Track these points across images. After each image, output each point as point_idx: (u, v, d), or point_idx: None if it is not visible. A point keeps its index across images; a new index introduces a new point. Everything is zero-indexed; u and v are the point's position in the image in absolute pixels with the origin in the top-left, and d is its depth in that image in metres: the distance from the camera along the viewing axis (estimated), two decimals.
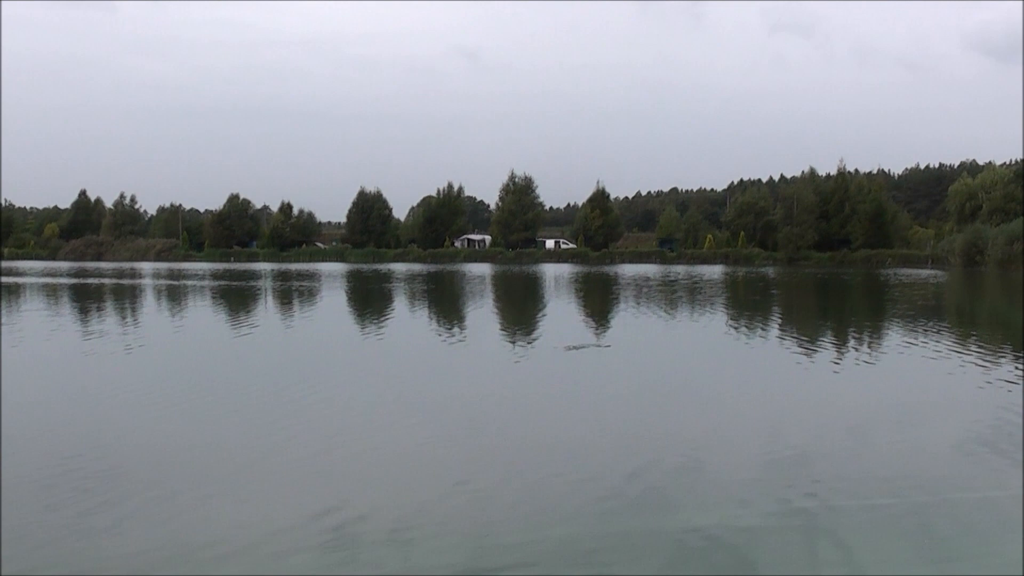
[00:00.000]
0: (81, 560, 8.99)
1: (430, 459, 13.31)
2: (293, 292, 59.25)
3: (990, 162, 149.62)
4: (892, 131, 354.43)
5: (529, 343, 27.84)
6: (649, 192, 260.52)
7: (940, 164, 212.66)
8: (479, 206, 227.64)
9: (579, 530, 9.88)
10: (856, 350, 26.61)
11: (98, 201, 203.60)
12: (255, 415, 16.42)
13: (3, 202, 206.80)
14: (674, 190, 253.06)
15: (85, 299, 51.68)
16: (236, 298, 53.34)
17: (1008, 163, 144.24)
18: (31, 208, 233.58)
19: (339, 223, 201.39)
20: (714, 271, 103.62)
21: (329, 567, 8.87)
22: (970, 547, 9.46)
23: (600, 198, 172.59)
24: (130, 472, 12.40)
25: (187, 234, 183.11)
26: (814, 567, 8.86)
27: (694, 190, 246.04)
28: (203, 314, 42.01)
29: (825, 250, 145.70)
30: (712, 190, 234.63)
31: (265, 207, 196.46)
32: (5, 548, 9.32)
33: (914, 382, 20.84)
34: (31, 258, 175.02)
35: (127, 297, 54.33)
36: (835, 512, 10.45)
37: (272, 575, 8.64)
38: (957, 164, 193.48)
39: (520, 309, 46.60)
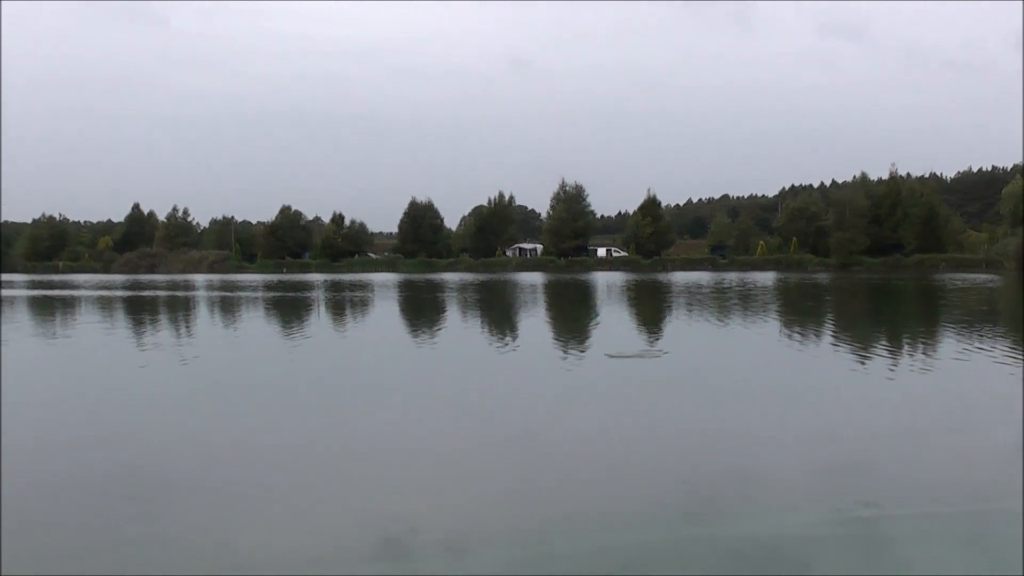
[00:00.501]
0: (130, 565, 9.08)
1: (483, 467, 13.35)
2: (346, 302, 59.50)
3: None
4: (944, 134, 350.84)
5: (581, 350, 27.84)
6: (700, 199, 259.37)
7: (993, 167, 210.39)
8: (530, 215, 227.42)
9: (633, 538, 9.88)
10: (910, 356, 26.42)
11: (151, 214, 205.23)
12: (308, 424, 16.52)
13: (57, 216, 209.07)
14: (725, 196, 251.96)
15: (140, 311, 52.14)
16: (289, 309, 53.64)
17: None
18: (85, 222, 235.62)
19: (391, 233, 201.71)
20: (766, 277, 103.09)
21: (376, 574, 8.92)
22: (1018, 558, 9.37)
23: (651, 205, 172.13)
24: (182, 480, 12.50)
25: (239, 246, 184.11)
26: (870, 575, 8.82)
27: (745, 196, 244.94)
28: (257, 325, 42.27)
29: (877, 255, 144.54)
30: (763, 196, 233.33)
31: (317, 218, 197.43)
32: (60, 551, 9.45)
33: (969, 388, 20.65)
34: (85, 271, 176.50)
35: (181, 309, 54.77)
36: (890, 520, 10.39)
37: None
38: (1010, 166, 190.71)
39: (572, 317, 46.59)
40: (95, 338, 34.36)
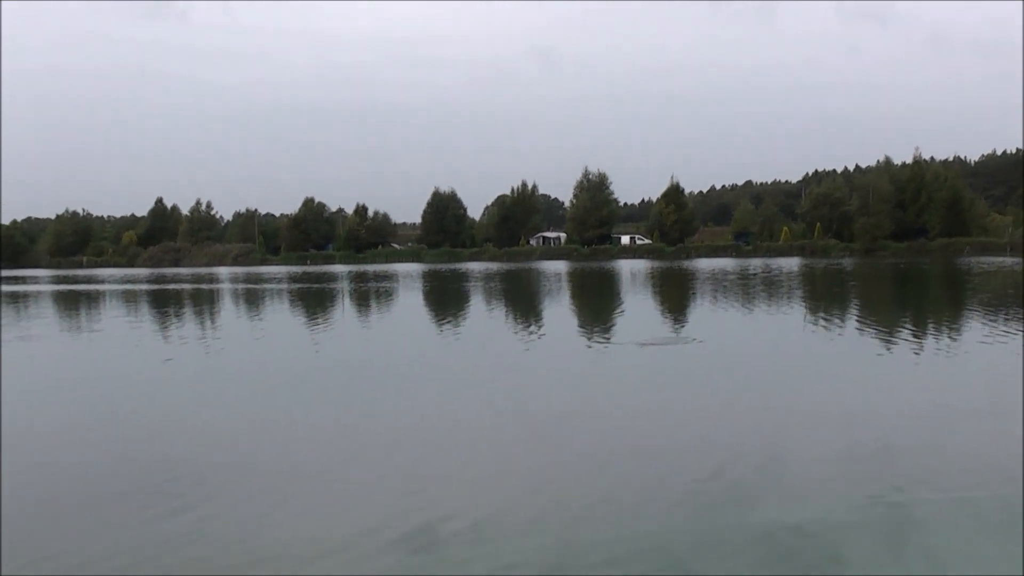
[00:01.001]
0: (159, 559, 9.14)
1: (513, 456, 13.37)
2: (371, 293, 59.59)
3: None
4: (968, 117, 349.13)
5: (608, 339, 27.83)
6: (723, 186, 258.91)
7: (1017, 149, 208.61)
8: (553, 204, 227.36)
9: (664, 527, 9.90)
10: (937, 340, 26.33)
11: (174, 208, 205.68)
12: (337, 415, 16.59)
13: (80, 211, 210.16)
14: (748, 183, 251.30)
15: (165, 305, 52.34)
16: (315, 300, 53.77)
17: None
18: (108, 217, 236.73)
19: (414, 224, 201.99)
20: (791, 263, 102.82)
21: (415, 568, 8.95)
22: None
23: (674, 193, 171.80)
24: (212, 474, 12.57)
25: (263, 238, 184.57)
26: (903, 562, 8.81)
27: (768, 182, 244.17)
28: (282, 316, 42.39)
29: (902, 240, 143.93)
30: (787, 182, 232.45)
31: (340, 210, 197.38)
32: (86, 546, 9.52)
33: (998, 373, 20.53)
34: (110, 266, 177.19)
35: (207, 302, 54.97)
36: (921, 505, 10.37)
37: (350, 569, 8.74)
38: None
39: (598, 305, 46.55)
40: (121, 332, 34.52)
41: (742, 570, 8.68)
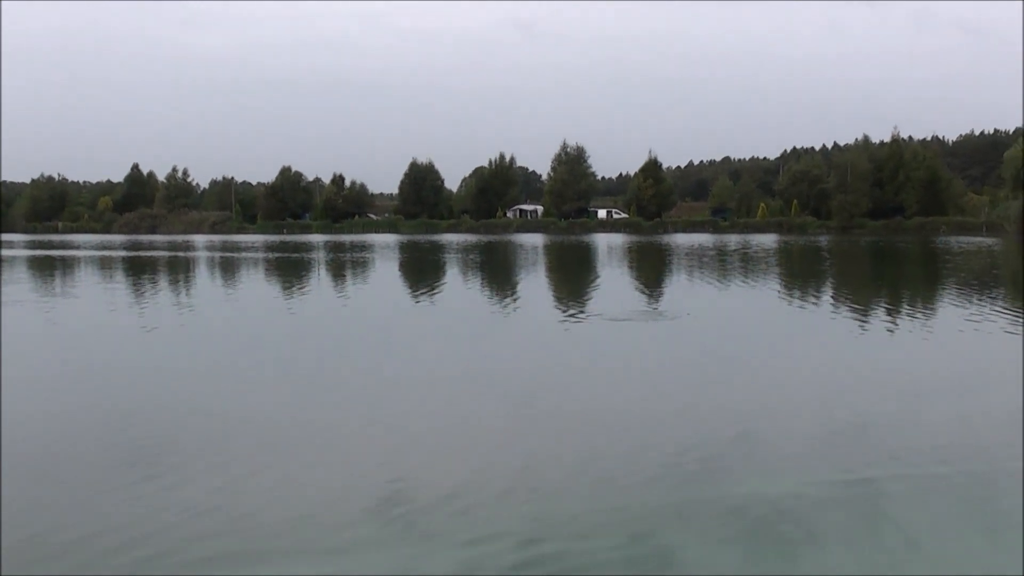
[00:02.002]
0: (133, 531, 9.08)
1: (486, 428, 13.35)
2: (347, 263, 59.51)
3: None
4: (947, 97, 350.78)
5: (583, 313, 27.81)
6: (702, 161, 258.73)
7: (995, 130, 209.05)
8: (531, 176, 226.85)
9: (636, 499, 9.89)
10: (911, 319, 26.41)
11: (151, 175, 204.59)
12: (310, 384, 16.56)
13: (56, 176, 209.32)
14: (727, 159, 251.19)
15: (141, 272, 52.14)
16: (290, 269, 53.67)
17: None
18: (84, 182, 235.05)
19: (391, 194, 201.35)
20: (768, 240, 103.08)
21: (387, 536, 8.92)
22: (1021, 519, 9.38)
23: (652, 167, 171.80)
24: (185, 441, 12.52)
25: (240, 207, 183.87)
26: (876, 537, 8.83)
27: (747, 159, 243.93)
28: (259, 285, 42.29)
29: (879, 218, 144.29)
30: (765, 158, 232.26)
31: (317, 179, 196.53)
32: (54, 515, 9.47)
33: (971, 351, 20.65)
34: (85, 231, 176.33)
35: (183, 269, 54.78)
36: (892, 480, 10.39)
37: (331, 545, 8.71)
38: (1012, 130, 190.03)
39: (574, 279, 46.57)
40: (96, 299, 34.37)
41: (716, 543, 8.68)
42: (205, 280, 45.70)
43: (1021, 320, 24.95)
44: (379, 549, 8.64)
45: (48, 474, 10.89)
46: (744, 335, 23.16)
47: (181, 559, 8.35)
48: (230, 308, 31.82)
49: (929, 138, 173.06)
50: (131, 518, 9.40)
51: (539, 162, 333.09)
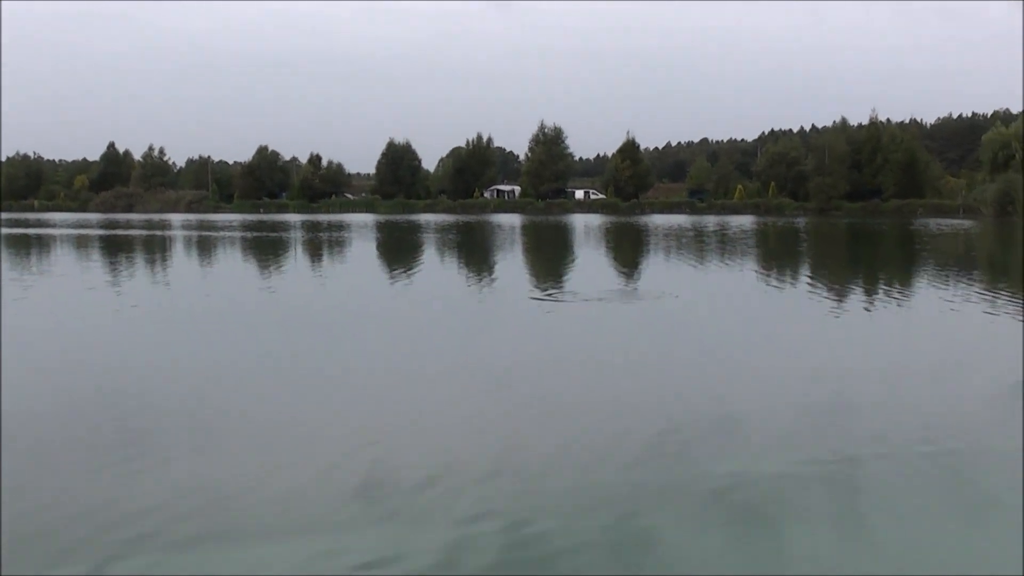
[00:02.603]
0: (115, 512, 9.05)
1: (467, 412, 13.33)
2: (324, 243, 59.40)
3: None
4: (926, 80, 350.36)
5: (561, 293, 27.78)
6: (679, 142, 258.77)
7: (973, 113, 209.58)
8: (509, 157, 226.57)
9: (613, 477, 9.92)
10: (888, 301, 26.51)
11: (127, 153, 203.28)
12: (291, 366, 16.51)
13: (31, 154, 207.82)
14: (704, 140, 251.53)
15: (118, 250, 51.95)
16: (267, 249, 53.52)
17: None
18: (60, 161, 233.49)
19: (368, 174, 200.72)
20: (745, 221, 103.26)
21: (371, 516, 8.92)
22: (1001, 495, 9.43)
23: (630, 148, 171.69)
24: (161, 421, 12.47)
25: (216, 186, 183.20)
26: (851, 514, 8.87)
27: (725, 140, 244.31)
28: (236, 264, 42.19)
29: (856, 200, 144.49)
30: (743, 140, 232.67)
31: (294, 159, 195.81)
32: (33, 497, 9.43)
33: (947, 333, 20.78)
34: (62, 210, 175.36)
35: (159, 248, 54.59)
36: (874, 460, 10.44)
37: (315, 525, 8.69)
38: (991, 113, 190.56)
39: (552, 260, 46.59)
40: (73, 278, 34.23)
41: (699, 523, 8.71)
42: (184, 260, 45.54)
43: (1001, 302, 25.09)
44: (363, 529, 8.63)
45: (27, 455, 10.82)
46: (724, 317, 23.22)
47: (164, 540, 8.32)
48: (210, 289, 31.75)
49: (907, 121, 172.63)
50: (112, 499, 9.36)
51: (517, 143, 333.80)
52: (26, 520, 8.72)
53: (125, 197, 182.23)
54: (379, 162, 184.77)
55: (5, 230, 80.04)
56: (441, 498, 9.32)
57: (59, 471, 10.29)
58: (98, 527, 8.62)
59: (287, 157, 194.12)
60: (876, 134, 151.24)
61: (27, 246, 56.10)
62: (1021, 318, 21.65)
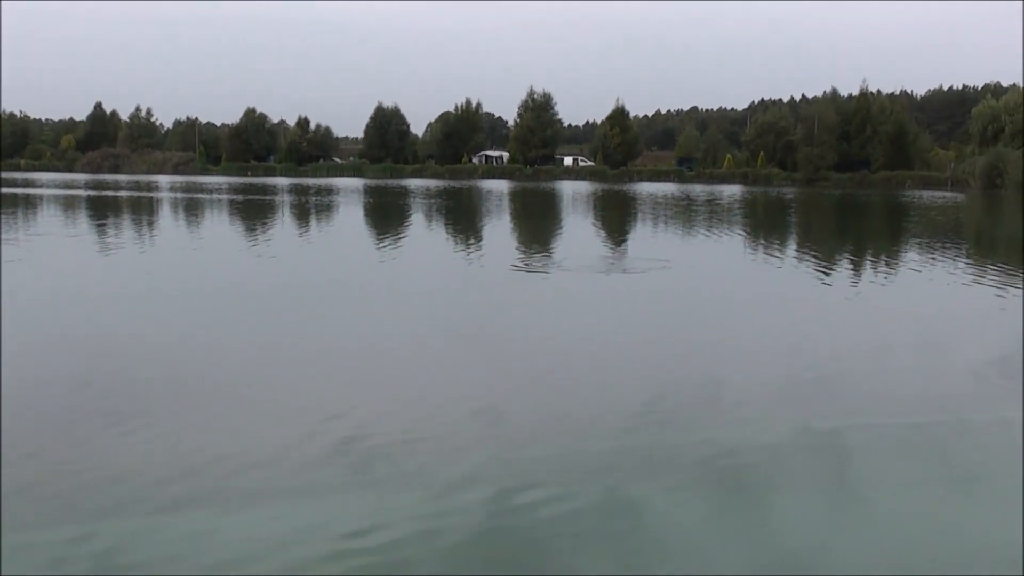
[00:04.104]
0: (89, 477, 9.02)
1: (453, 378, 13.33)
2: (312, 207, 59.23)
3: (1015, 84, 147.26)
4: (916, 51, 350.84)
5: (548, 263, 27.74)
6: (669, 111, 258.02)
7: (964, 86, 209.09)
8: (497, 123, 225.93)
9: (599, 446, 9.92)
10: (875, 272, 26.56)
11: (114, 114, 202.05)
12: (270, 329, 16.50)
13: (17, 113, 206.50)
14: (694, 109, 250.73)
15: (104, 212, 51.76)
16: (255, 212, 53.37)
17: None
18: (46, 120, 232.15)
19: (356, 139, 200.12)
20: (733, 191, 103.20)
21: (353, 481, 8.92)
22: (984, 467, 9.50)
23: (619, 116, 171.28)
24: (143, 389, 12.42)
25: (204, 148, 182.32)
26: (833, 482, 8.91)
27: (714, 109, 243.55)
28: (222, 229, 42.08)
29: (845, 171, 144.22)
30: (732, 109, 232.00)
31: (282, 121, 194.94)
32: (10, 458, 9.40)
33: (933, 304, 20.82)
34: (48, 170, 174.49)
35: (146, 211, 54.38)
36: (859, 430, 10.47)
37: (296, 489, 8.68)
38: (981, 86, 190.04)
39: (539, 227, 46.52)
40: (57, 241, 34.07)
41: (684, 491, 8.73)
42: (172, 224, 45.34)
43: (987, 275, 25.15)
44: (345, 494, 8.63)
45: (7, 416, 10.78)
46: (711, 288, 23.18)
47: (144, 505, 8.30)
48: (192, 252, 31.63)
49: (898, 92, 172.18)
50: (92, 462, 9.36)
51: (506, 108, 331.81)
52: (8, 485, 8.70)
53: (112, 158, 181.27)
54: (367, 126, 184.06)
55: None
56: (425, 465, 9.31)
57: (33, 433, 10.27)
58: (73, 490, 8.61)
59: (275, 120, 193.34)
60: (866, 105, 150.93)
61: (14, 206, 55.77)
62: (1021, 291, 21.69)
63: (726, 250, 33.25)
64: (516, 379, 13.17)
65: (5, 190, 78.09)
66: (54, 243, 32.12)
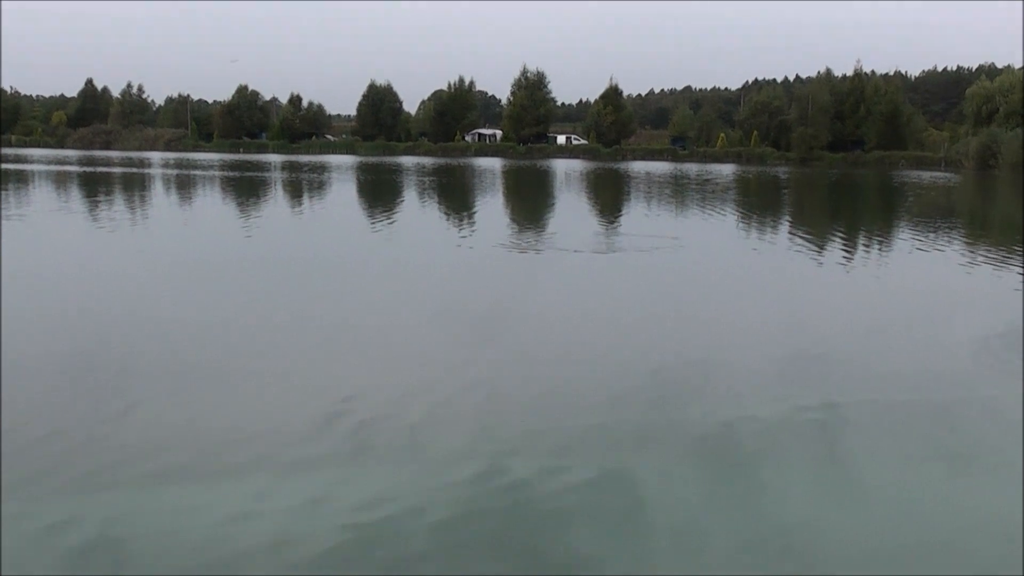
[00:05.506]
0: (83, 450, 8.99)
1: (448, 354, 13.29)
2: (304, 184, 59.11)
3: (1009, 65, 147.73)
4: (911, 32, 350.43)
5: (542, 242, 27.67)
6: (663, 90, 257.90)
7: (958, 67, 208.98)
8: (491, 101, 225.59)
9: (594, 421, 9.90)
10: (869, 251, 26.56)
11: (105, 90, 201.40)
12: (264, 305, 16.45)
13: (8, 89, 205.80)
14: (688, 88, 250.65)
15: (95, 188, 51.60)
16: (248, 189, 53.23)
17: None
18: (37, 96, 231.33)
19: (349, 116, 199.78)
20: (726, 170, 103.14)
21: (347, 454, 8.89)
22: (980, 444, 9.52)
23: (613, 95, 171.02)
24: (141, 358, 12.41)
25: (196, 125, 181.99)
26: (827, 458, 8.91)
27: (708, 89, 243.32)
28: (214, 204, 41.98)
29: (838, 151, 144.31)
30: (726, 89, 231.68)
31: (274, 99, 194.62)
32: (8, 436, 9.37)
33: (928, 283, 20.81)
34: (39, 146, 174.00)
35: (138, 187, 54.22)
36: (854, 407, 10.47)
37: (290, 462, 8.65)
38: (975, 67, 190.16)
39: (532, 206, 46.48)
40: (48, 216, 33.97)
41: (679, 467, 8.72)
42: (165, 200, 45.26)
43: (981, 254, 25.16)
44: (339, 467, 8.61)
45: (5, 390, 10.74)
46: (706, 267, 23.15)
47: (134, 472, 8.30)
48: (184, 228, 31.60)
49: (892, 73, 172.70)
50: (88, 436, 9.33)
51: (499, 86, 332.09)
52: (10, 457, 8.67)
53: (103, 134, 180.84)
54: (360, 104, 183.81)
55: None
56: (420, 441, 9.28)
57: (26, 397, 10.25)
58: (77, 464, 8.59)
59: (267, 97, 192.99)
60: (860, 85, 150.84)
61: (6, 182, 55.58)
62: (1020, 270, 21.70)
63: (721, 229, 33.20)
64: (510, 357, 13.11)
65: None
66: (49, 219, 32.02)
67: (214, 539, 7.15)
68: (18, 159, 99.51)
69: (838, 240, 29.29)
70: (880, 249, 26.82)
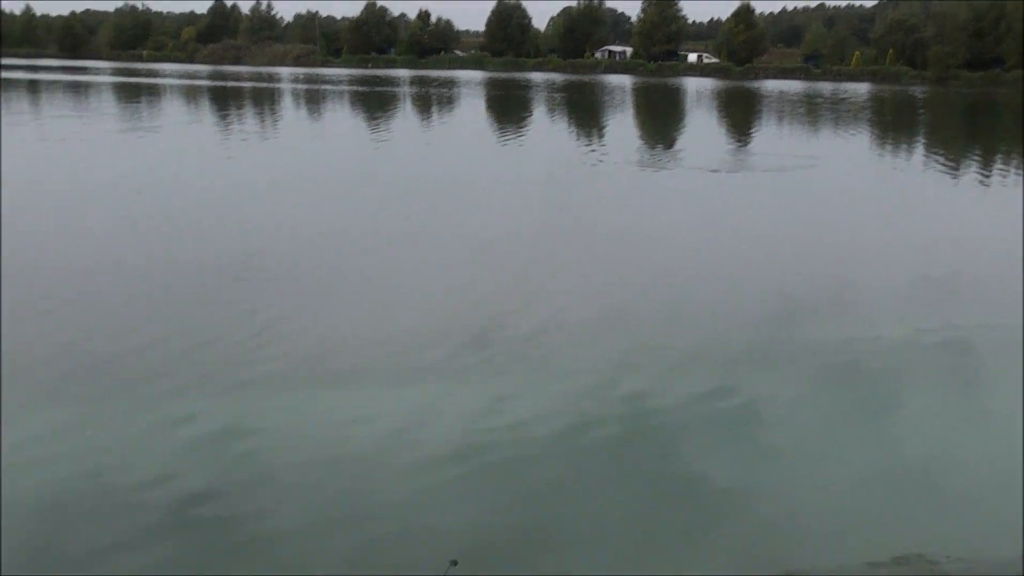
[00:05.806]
0: (210, 353, 9.19)
1: (572, 273, 13.67)
2: (433, 99, 59.06)
3: None
4: None
5: (673, 160, 27.35)
6: (796, 7, 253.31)
7: None
8: (620, 18, 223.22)
9: (724, 335, 10.23)
10: (1007, 175, 25.73)
11: (234, 7, 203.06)
12: (396, 219, 16.74)
13: (140, 5, 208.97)
14: (821, 6, 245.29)
15: (227, 102, 52.15)
16: (376, 103, 53.38)
17: None
18: (167, 12, 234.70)
19: (478, 32, 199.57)
20: (860, 89, 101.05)
21: (472, 364, 9.28)
22: None
23: (745, 12, 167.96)
24: (272, 274, 12.95)
25: (324, 40, 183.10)
26: (957, 383, 8.97)
27: (842, 5, 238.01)
28: (344, 118, 42.15)
29: (976, 70, 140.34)
30: (861, 6, 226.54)
31: (403, 15, 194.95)
32: (129, 320, 9.43)
33: None
34: (170, 61, 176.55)
35: (269, 101, 54.75)
36: (980, 329, 10.56)
37: (418, 371, 8.82)
38: None
39: (664, 124, 45.94)
40: (183, 129, 34.36)
41: (800, 385, 8.92)
42: (290, 113, 45.65)
43: None
44: (461, 374, 9.03)
45: (146, 296, 10.85)
46: (839, 189, 22.62)
47: (245, 375, 8.74)
48: (315, 140, 31.80)
49: None
50: (219, 338, 9.70)
51: (628, 3, 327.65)
52: (144, 354, 8.78)
53: (233, 50, 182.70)
54: (489, 19, 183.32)
55: (114, 79, 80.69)
56: (545, 353, 9.54)
57: (148, 296, 10.65)
58: (206, 366, 9.04)
59: (395, 13, 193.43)
60: (1000, 1, 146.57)
61: (138, 96, 56.35)
62: None
63: (856, 149, 32.44)
64: (637, 275, 13.26)
65: (131, 79, 79.13)
66: (183, 132, 32.37)
67: (336, 439, 7.56)
68: (150, 73, 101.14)
69: (974, 163, 28.37)
70: (1015, 175, 25.87)
